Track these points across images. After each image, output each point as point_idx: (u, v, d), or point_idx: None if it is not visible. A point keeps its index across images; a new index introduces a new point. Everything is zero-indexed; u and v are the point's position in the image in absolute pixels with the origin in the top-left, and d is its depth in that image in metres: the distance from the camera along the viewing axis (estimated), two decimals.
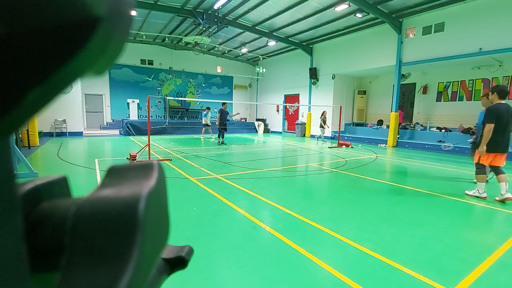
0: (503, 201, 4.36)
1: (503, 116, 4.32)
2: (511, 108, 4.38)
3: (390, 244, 2.86)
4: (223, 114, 11.48)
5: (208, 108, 13.20)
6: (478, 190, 4.63)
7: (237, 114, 14.39)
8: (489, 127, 4.32)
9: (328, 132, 13.63)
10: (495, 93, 4.43)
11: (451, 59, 10.50)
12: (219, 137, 11.60)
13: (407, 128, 13.03)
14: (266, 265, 2.43)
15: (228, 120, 12.76)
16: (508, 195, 4.31)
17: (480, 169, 4.58)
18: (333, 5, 11.08)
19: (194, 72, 19.31)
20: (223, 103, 11.65)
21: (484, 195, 4.56)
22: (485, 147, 4.37)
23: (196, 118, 19.09)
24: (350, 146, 11.55)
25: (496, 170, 4.53)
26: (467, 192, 4.81)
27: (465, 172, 6.54)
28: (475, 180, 4.91)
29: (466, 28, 9.94)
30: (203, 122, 13.27)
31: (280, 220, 3.46)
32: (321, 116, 12.89)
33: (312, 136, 14.87)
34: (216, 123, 11.55)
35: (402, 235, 3.11)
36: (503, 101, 4.39)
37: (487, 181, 4.86)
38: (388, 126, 12.94)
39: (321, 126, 12.83)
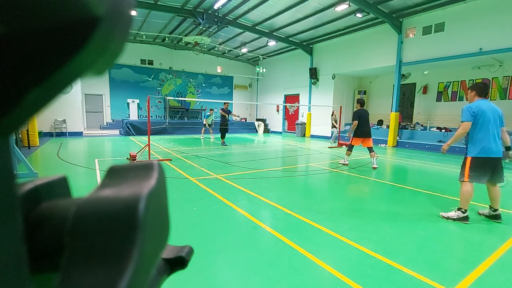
0: (375, 168, 6.75)
1: (363, 115, 6.94)
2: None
3: (390, 244, 2.86)
4: (226, 113, 11.09)
5: (212, 110, 13.09)
6: (344, 160, 7.33)
7: (238, 116, 13.91)
8: (355, 123, 6.89)
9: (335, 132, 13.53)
10: (358, 104, 7.13)
11: (451, 59, 10.50)
12: (222, 137, 11.30)
13: (407, 128, 13.03)
14: (266, 265, 2.43)
15: (229, 120, 12.43)
16: (376, 165, 6.80)
17: (349, 147, 7.19)
18: (333, 5, 11.08)
19: (194, 72, 19.31)
20: (225, 103, 11.23)
21: (347, 162, 7.29)
22: (352, 133, 7.02)
23: (196, 118, 19.09)
24: None
25: (369, 150, 6.97)
26: (340, 162, 7.44)
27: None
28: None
29: (466, 28, 9.94)
30: (204, 123, 13.25)
31: (280, 220, 3.45)
32: (332, 115, 12.78)
33: (329, 137, 14.50)
34: (225, 115, 11.03)
35: (402, 235, 3.11)
36: (362, 108, 7.05)
37: None
38: (388, 126, 12.94)
39: (334, 126, 12.69)
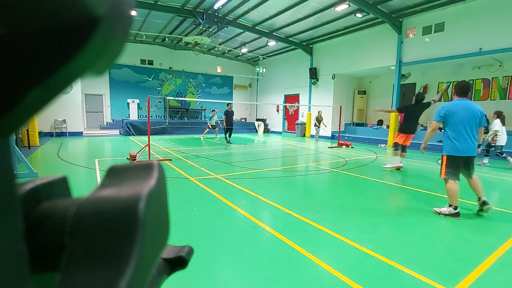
0: (399, 169, 6.49)
1: (413, 111, 6.51)
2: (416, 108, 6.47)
3: (390, 244, 2.86)
4: (229, 115, 11.96)
5: (214, 111, 13.44)
6: (396, 163, 6.50)
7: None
8: (394, 110, 7.16)
9: (325, 131, 14.19)
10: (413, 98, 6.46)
11: (451, 59, 10.50)
12: (225, 135, 12.20)
13: None
14: (266, 265, 2.43)
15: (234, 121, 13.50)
16: (401, 164, 6.52)
17: (396, 146, 6.60)
18: (333, 5, 11.09)
19: (194, 72, 19.31)
20: (228, 104, 12.13)
21: (401, 164, 6.53)
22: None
23: (196, 118, 19.10)
24: (350, 146, 11.55)
25: (403, 149, 6.54)
26: (388, 166, 6.65)
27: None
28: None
29: (466, 28, 9.94)
30: (208, 124, 13.52)
31: (280, 220, 3.45)
32: (317, 115, 13.79)
33: (311, 136, 15.28)
34: (224, 125, 12.11)
35: (402, 235, 3.11)
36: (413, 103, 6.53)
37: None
38: (388, 126, 12.94)
39: (315, 125, 13.80)
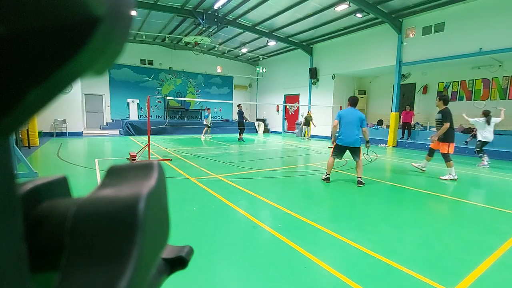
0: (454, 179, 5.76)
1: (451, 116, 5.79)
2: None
3: (390, 244, 2.86)
4: (240, 115, 13.10)
5: (209, 109, 13.58)
6: (450, 174, 5.80)
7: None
8: (446, 126, 5.71)
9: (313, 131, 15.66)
10: (441, 100, 5.89)
11: (451, 59, 10.50)
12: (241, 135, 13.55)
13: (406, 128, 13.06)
14: (266, 265, 2.43)
15: (247, 120, 14.54)
16: (455, 176, 5.76)
17: (448, 157, 5.83)
18: (333, 5, 11.09)
19: (194, 72, 19.31)
20: (238, 105, 13.50)
21: (455, 177, 5.79)
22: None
23: (196, 118, 19.09)
24: None
25: (446, 158, 5.86)
26: (443, 177, 5.87)
27: (465, 172, 6.55)
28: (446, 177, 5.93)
29: (466, 28, 9.94)
30: (204, 123, 13.57)
31: (280, 220, 3.45)
32: (306, 115, 14.83)
33: (311, 136, 15.51)
34: (243, 121, 13.44)
35: (402, 235, 3.11)
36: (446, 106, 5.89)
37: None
38: (388, 126, 12.94)
39: (304, 125, 14.91)
